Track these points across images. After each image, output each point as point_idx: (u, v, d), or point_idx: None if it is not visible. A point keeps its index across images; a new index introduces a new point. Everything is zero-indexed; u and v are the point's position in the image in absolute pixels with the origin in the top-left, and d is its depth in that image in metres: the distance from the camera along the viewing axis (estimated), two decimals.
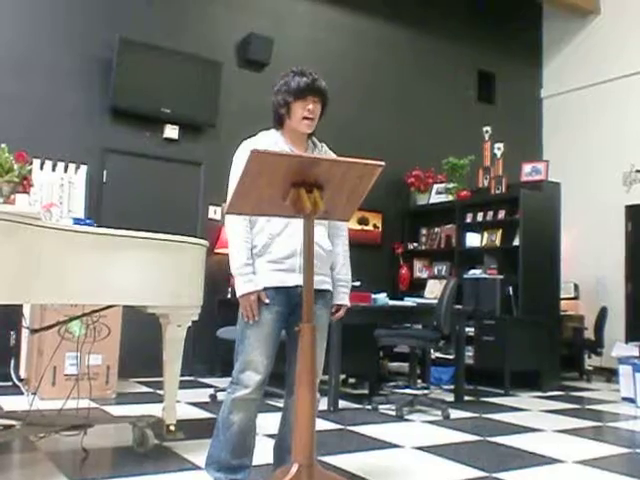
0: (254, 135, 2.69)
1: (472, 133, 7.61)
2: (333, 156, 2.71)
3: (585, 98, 8.56)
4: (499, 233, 6.88)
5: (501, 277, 6.49)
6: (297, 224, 2.48)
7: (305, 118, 2.55)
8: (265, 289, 2.51)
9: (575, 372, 7.43)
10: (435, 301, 5.22)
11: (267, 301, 2.50)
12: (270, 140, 2.62)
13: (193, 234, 3.63)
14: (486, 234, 7.03)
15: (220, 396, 4.81)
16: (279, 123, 2.66)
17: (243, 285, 2.50)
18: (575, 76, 8.71)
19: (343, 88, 7.44)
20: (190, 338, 3.66)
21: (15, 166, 4.98)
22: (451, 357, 5.91)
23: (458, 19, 8.41)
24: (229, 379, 2.58)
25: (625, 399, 5.81)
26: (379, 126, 7.65)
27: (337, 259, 2.69)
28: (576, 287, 8.04)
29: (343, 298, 2.69)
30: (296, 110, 2.56)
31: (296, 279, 2.50)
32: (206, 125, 6.49)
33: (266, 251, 2.53)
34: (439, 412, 4.81)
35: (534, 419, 4.81)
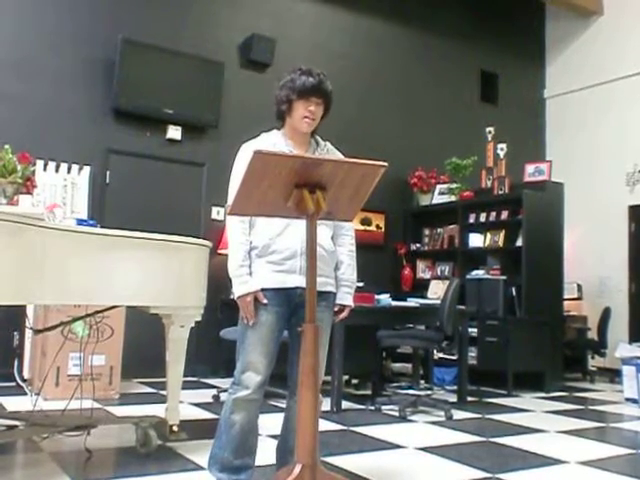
0: (257, 136, 2.69)
1: (475, 133, 7.60)
2: (338, 154, 2.70)
3: (588, 98, 8.55)
4: (502, 234, 6.88)
5: (504, 278, 6.48)
6: (298, 225, 2.47)
7: (306, 117, 2.54)
8: (264, 290, 2.50)
9: (578, 373, 7.41)
10: (438, 302, 5.21)
11: (265, 302, 2.50)
12: (269, 141, 2.61)
13: (196, 235, 3.63)
14: (489, 234, 7.03)
15: (223, 397, 4.81)
16: (279, 118, 2.65)
17: (238, 287, 2.50)
18: (578, 76, 8.69)
19: (345, 88, 7.43)
20: (193, 339, 3.67)
21: (18, 167, 5.00)
22: (454, 358, 5.90)
23: (461, 19, 8.40)
24: (232, 379, 2.58)
25: (628, 400, 5.79)
26: (382, 126, 7.65)
27: (342, 259, 2.67)
28: (579, 287, 8.02)
29: (346, 298, 2.66)
30: (297, 109, 2.54)
31: (296, 280, 2.50)
32: (208, 126, 6.50)
33: (266, 252, 2.52)
34: (442, 413, 4.80)
35: (537, 420, 4.80)
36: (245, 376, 2.51)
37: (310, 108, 2.53)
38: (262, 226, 2.54)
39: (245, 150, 2.63)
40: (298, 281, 2.50)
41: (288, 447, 2.55)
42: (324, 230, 2.55)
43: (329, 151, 2.72)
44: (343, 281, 2.66)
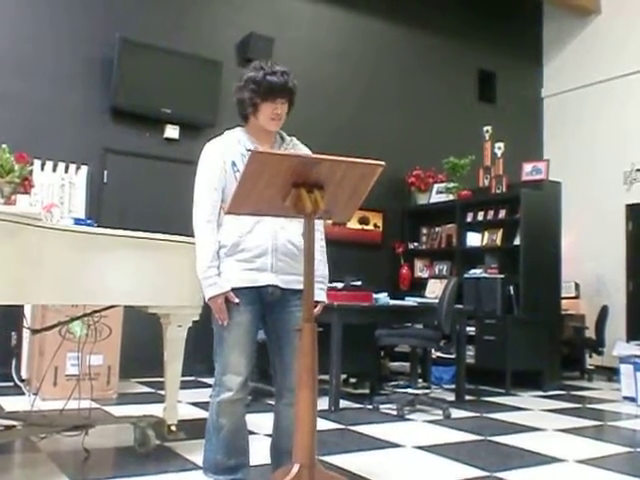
0: (221, 134, 2.65)
1: (473, 132, 7.60)
2: (304, 149, 2.67)
3: (586, 97, 8.55)
4: (500, 232, 6.88)
5: (502, 276, 6.48)
6: (268, 222, 2.45)
7: (273, 119, 2.51)
8: (235, 290, 2.47)
9: (576, 371, 7.42)
10: (436, 301, 5.22)
11: (237, 301, 2.46)
12: (234, 139, 2.58)
13: (193, 234, 3.62)
14: (487, 233, 7.03)
15: None
16: (243, 118, 2.61)
17: (208, 289, 2.47)
18: (576, 75, 8.70)
19: (343, 87, 7.45)
20: (191, 338, 3.66)
21: (16, 167, 4.98)
22: (452, 356, 5.90)
23: (459, 18, 8.40)
24: (213, 380, 2.57)
25: (626, 398, 5.80)
26: (380, 125, 7.65)
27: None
28: (577, 286, 8.03)
29: (319, 294, 2.56)
30: (264, 110, 2.50)
31: (267, 278, 2.48)
32: (206, 125, 6.48)
33: (236, 250, 2.48)
34: (440, 412, 4.81)
35: (535, 418, 4.81)
36: (226, 378, 2.49)
37: (277, 111, 2.50)
38: (230, 224, 2.49)
39: (209, 148, 2.59)
40: (269, 279, 2.48)
41: (282, 449, 2.54)
42: (295, 226, 2.49)
43: (295, 146, 2.67)
44: (315, 277, 2.62)
